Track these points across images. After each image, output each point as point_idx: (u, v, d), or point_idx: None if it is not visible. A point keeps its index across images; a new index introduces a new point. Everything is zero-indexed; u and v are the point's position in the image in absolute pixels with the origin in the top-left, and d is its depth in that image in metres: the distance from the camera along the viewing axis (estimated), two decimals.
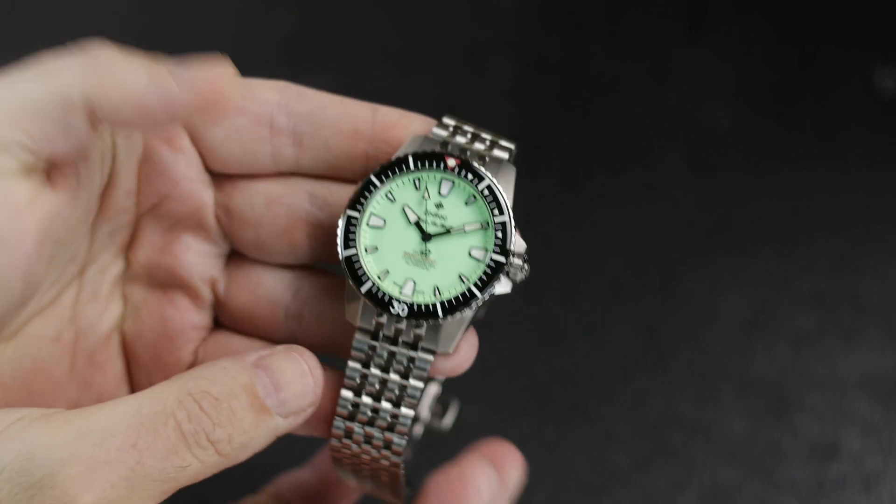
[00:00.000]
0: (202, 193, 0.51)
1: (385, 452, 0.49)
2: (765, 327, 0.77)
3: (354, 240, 0.48)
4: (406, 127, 0.50)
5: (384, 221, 0.49)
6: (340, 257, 0.48)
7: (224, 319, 0.53)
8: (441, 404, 0.62)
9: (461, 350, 0.49)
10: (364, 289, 0.48)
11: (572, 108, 0.84)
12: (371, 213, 0.49)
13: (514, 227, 0.48)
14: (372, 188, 0.49)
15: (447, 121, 0.50)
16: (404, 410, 0.49)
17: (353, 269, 0.48)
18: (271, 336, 0.52)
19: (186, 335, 0.52)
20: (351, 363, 0.49)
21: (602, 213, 0.80)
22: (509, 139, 0.50)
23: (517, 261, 0.48)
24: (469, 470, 0.52)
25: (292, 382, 0.46)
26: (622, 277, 0.78)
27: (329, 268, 0.52)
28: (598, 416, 0.74)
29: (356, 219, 0.49)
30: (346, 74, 0.82)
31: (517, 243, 0.48)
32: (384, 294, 0.48)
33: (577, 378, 0.75)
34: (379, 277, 0.48)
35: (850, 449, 0.74)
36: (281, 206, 0.51)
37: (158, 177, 0.51)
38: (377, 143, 0.50)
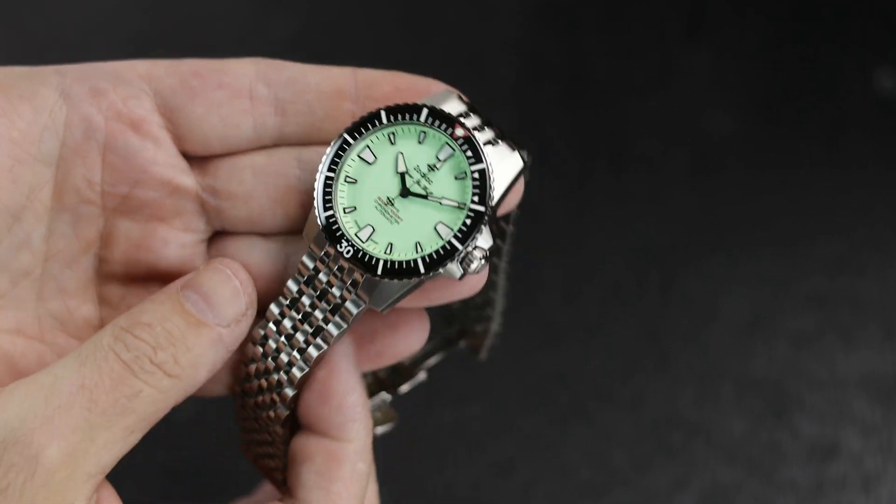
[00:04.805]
0: (177, 179, 0.50)
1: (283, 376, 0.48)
2: (765, 328, 0.77)
3: (339, 164, 0.47)
4: (391, 83, 0.49)
5: (375, 159, 0.48)
6: (318, 174, 0.47)
7: None
8: (381, 412, 0.57)
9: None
10: (325, 216, 0.47)
11: (574, 110, 0.84)
12: (366, 146, 0.48)
13: (488, 222, 0.46)
14: (377, 122, 0.47)
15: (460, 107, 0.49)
16: (318, 341, 0.47)
17: (325, 190, 0.47)
18: None
19: None
20: (290, 283, 0.48)
21: (603, 215, 0.80)
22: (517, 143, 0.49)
23: (477, 252, 0.46)
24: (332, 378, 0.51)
25: (220, 291, 0.47)
26: (623, 278, 0.78)
27: None
28: (598, 416, 0.74)
29: (349, 146, 0.47)
30: None
31: (485, 237, 0.46)
32: (339, 229, 0.47)
33: (577, 378, 0.75)
34: (344, 210, 0.47)
35: (850, 449, 0.74)
36: (269, 175, 0.50)
37: (124, 164, 0.49)
38: (362, 100, 0.49)
